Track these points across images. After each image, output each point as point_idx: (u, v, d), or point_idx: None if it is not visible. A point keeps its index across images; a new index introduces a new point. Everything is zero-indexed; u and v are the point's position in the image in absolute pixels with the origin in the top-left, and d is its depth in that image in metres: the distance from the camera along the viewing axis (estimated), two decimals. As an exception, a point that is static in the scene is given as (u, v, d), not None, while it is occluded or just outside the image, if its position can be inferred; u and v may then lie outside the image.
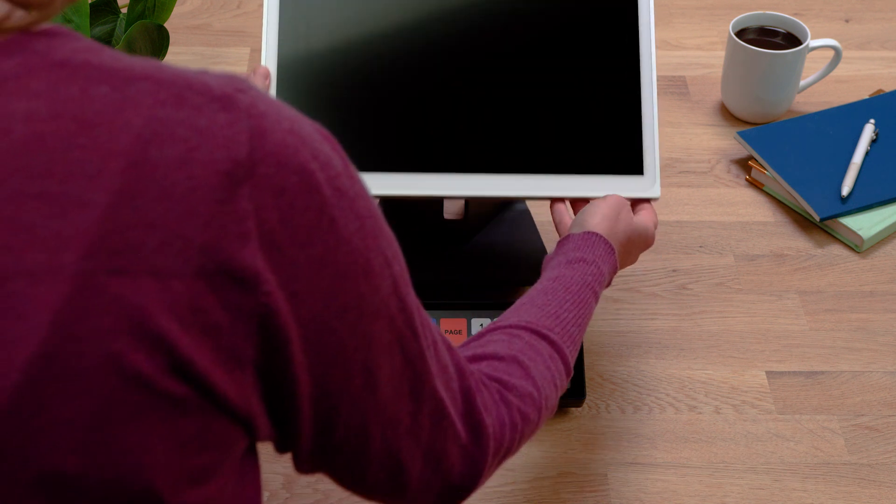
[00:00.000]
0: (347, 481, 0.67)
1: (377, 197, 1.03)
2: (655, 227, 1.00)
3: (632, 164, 1.03)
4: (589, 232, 0.91)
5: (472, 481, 0.71)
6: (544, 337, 0.81)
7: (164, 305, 0.51)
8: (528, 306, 0.84)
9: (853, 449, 1.04)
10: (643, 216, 0.99)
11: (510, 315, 0.83)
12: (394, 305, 0.62)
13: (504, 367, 0.76)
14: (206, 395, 0.54)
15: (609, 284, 0.92)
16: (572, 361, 0.83)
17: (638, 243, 0.97)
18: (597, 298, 0.88)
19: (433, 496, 0.70)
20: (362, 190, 0.59)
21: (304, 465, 0.65)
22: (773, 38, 1.39)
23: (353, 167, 0.59)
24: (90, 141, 0.51)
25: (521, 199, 1.04)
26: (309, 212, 0.55)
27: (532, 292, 0.86)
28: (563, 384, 0.82)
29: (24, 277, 0.49)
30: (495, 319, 0.84)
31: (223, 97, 0.53)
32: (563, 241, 0.92)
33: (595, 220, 0.93)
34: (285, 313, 0.55)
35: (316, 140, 0.57)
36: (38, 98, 0.51)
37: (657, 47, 1.52)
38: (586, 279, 0.87)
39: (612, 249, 0.91)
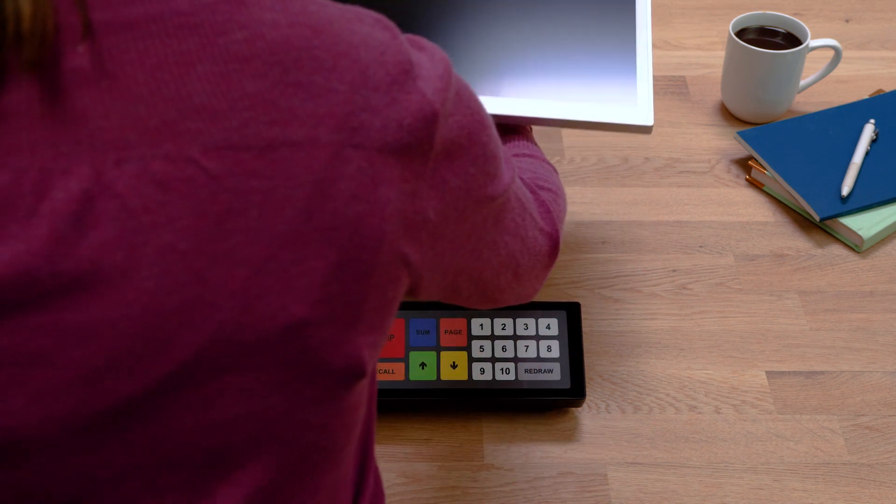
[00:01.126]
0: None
1: None
2: None
3: (625, 94, 1.08)
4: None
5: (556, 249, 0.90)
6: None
7: (385, 176, 0.62)
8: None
9: (853, 449, 1.04)
10: None
11: None
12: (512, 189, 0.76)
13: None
14: (421, 247, 0.66)
15: None
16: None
17: None
18: None
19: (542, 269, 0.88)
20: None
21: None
22: (773, 38, 1.39)
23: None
24: (322, 43, 0.61)
25: (521, 120, 1.08)
26: (461, 90, 0.68)
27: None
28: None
29: (289, 146, 0.59)
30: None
31: (378, 21, 0.65)
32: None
33: None
34: (447, 187, 0.67)
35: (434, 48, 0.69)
36: (272, 10, 0.61)
37: (657, 47, 1.52)
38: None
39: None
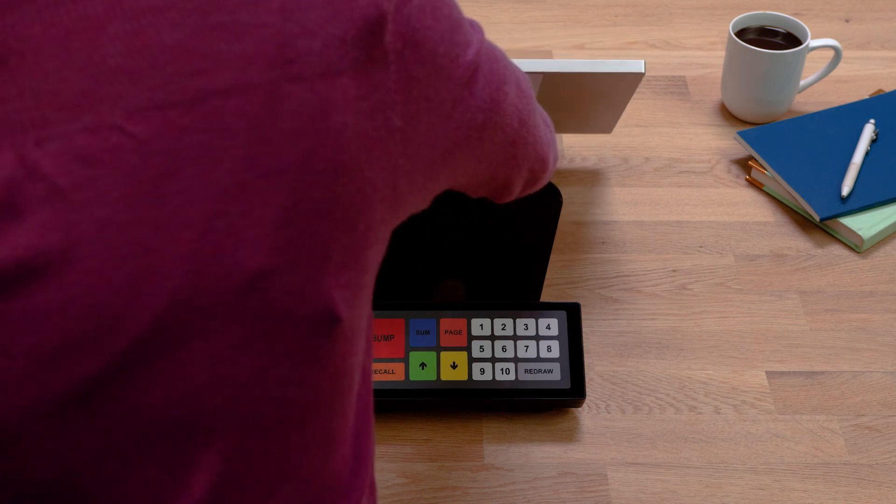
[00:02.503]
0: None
1: None
2: None
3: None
4: None
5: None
6: None
7: (336, 101, 0.58)
8: None
9: (853, 449, 1.04)
10: None
11: None
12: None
13: None
14: (391, 170, 0.62)
15: None
16: None
17: None
18: None
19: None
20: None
21: None
22: (773, 38, 1.39)
23: None
24: None
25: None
26: (442, 19, 0.64)
27: None
28: None
29: (219, 95, 0.56)
30: None
31: None
32: None
33: None
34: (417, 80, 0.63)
35: None
36: None
37: (657, 47, 1.52)
38: None
39: None
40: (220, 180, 0.56)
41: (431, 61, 0.64)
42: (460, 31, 0.67)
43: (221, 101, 0.56)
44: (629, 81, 1.16)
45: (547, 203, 1.05)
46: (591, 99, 1.21)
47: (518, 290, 1.11)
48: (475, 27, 0.70)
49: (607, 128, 1.32)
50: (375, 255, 0.64)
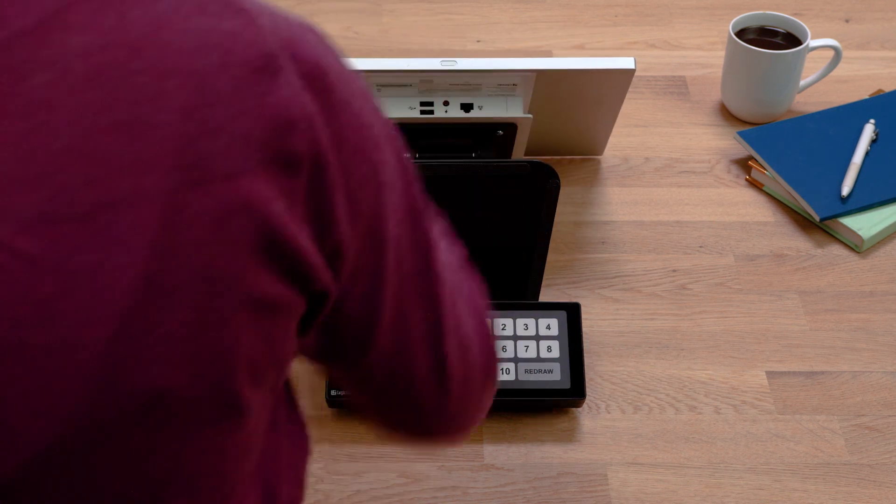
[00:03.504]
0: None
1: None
2: None
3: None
4: None
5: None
6: None
7: (241, 204, 0.54)
8: None
9: (853, 449, 1.04)
10: None
11: None
12: (401, 182, 0.65)
13: None
14: (297, 280, 0.57)
15: None
16: None
17: None
18: None
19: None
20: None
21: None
22: (773, 38, 1.39)
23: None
24: (143, 64, 0.52)
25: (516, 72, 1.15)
26: (335, 92, 0.58)
27: None
28: None
29: (114, 208, 0.51)
30: None
31: (231, 2, 0.56)
32: None
33: None
34: (337, 185, 0.58)
35: (313, 31, 0.60)
36: (85, 31, 0.52)
37: (657, 47, 1.52)
38: None
39: None
40: (118, 300, 0.52)
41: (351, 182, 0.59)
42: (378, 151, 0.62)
43: (116, 214, 0.52)
44: (621, 78, 1.16)
45: (544, 185, 1.06)
46: (584, 100, 1.21)
47: (518, 281, 1.11)
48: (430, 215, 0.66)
49: (600, 144, 1.32)
50: (289, 348, 0.61)
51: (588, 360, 1.12)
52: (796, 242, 1.25)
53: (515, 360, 1.06)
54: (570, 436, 1.06)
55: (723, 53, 1.49)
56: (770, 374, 1.11)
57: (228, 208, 0.53)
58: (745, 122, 1.40)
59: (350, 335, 0.67)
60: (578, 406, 1.07)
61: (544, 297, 1.17)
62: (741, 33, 1.38)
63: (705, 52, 1.51)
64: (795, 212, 1.28)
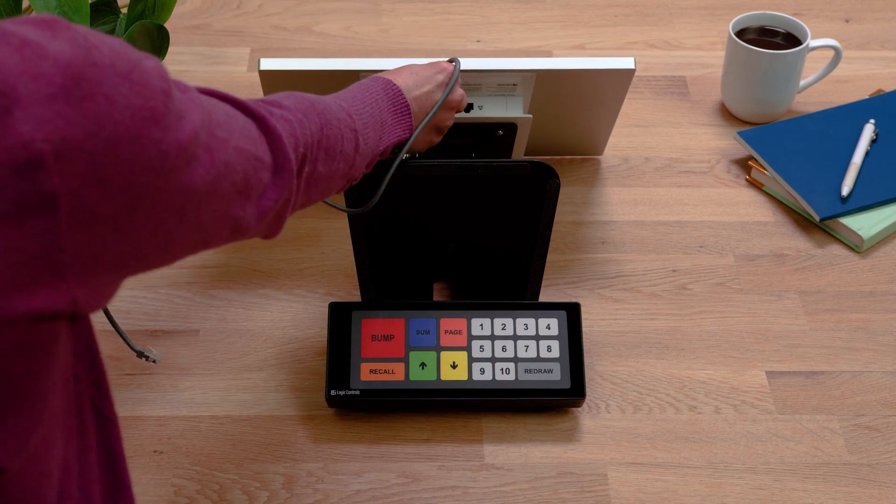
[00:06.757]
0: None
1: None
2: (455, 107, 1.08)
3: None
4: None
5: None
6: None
7: None
8: None
9: (853, 449, 1.04)
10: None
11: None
12: None
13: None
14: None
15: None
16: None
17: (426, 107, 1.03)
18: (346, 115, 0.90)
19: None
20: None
21: None
22: (773, 38, 1.39)
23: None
24: None
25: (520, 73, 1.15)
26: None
27: None
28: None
29: None
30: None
31: None
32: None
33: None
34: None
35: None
36: None
37: (657, 47, 1.52)
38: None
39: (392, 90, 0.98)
40: None
41: (108, 201, 0.56)
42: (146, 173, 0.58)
43: None
44: (621, 78, 1.16)
45: (544, 185, 1.06)
46: (584, 100, 1.21)
47: (518, 281, 1.11)
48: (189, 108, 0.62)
49: (600, 144, 1.32)
50: (50, 397, 0.58)
51: (588, 360, 1.12)
52: (796, 242, 1.25)
53: (515, 359, 1.06)
54: (569, 436, 1.06)
55: (723, 53, 1.49)
56: (770, 374, 1.11)
57: None
58: (745, 122, 1.40)
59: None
60: (578, 406, 1.07)
61: (544, 297, 1.17)
62: (741, 33, 1.38)
63: (705, 52, 1.51)
64: (795, 212, 1.28)
